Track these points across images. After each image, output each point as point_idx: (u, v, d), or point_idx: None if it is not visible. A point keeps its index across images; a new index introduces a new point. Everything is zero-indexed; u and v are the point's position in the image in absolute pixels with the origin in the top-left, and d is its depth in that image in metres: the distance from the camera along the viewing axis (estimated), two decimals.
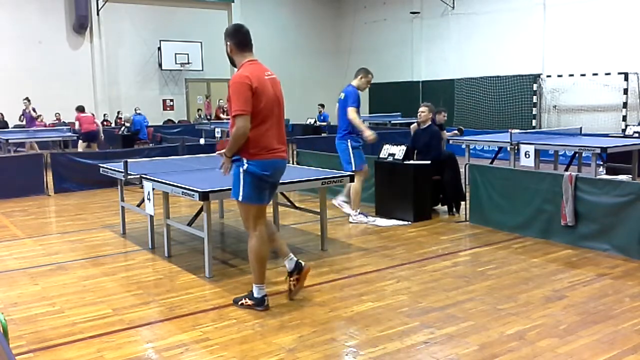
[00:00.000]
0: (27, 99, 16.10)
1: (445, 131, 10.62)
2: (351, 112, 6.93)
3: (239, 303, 4.32)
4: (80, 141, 13.86)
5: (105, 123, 19.49)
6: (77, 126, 13.93)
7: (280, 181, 4.56)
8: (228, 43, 4.24)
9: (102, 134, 14.10)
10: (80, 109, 14.05)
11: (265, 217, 4.33)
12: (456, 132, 10.94)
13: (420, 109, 7.74)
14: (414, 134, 7.95)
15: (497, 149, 10.64)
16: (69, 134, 14.48)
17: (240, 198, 4.16)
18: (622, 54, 15.33)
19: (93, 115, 14.57)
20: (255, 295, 4.26)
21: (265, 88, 4.09)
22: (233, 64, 4.30)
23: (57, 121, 17.57)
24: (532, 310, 4.15)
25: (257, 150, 4.07)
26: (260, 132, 4.06)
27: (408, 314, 4.13)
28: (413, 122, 8.75)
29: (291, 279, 4.45)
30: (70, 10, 19.52)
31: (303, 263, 4.48)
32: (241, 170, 4.10)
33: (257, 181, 4.12)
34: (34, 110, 16.27)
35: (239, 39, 4.22)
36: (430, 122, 7.73)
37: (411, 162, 7.16)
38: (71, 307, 4.42)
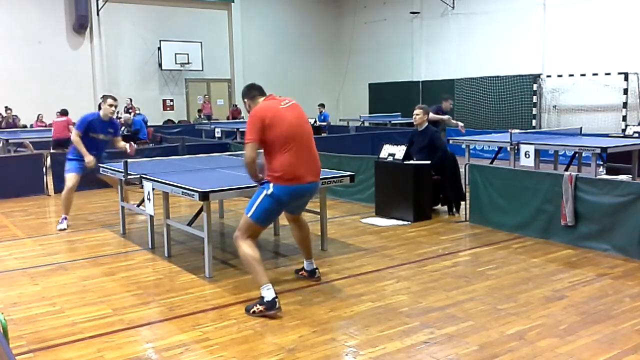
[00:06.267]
0: (7, 107, 16.14)
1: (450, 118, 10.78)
2: (74, 136, 7.18)
3: (251, 311, 4.14)
4: (51, 148, 12.41)
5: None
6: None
7: None
8: (246, 101, 4.52)
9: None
10: (61, 113, 13.07)
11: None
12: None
13: (415, 112, 7.69)
14: (412, 134, 7.91)
15: (497, 149, 10.64)
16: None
17: (249, 215, 4.31)
18: (622, 54, 15.33)
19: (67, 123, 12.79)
20: (266, 299, 4.11)
21: (281, 117, 4.26)
22: None
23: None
24: (532, 310, 4.15)
25: (282, 174, 4.23)
26: (285, 158, 4.23)
27: (408, 314, 4.13)
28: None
29: (300, 273, 5.01)
30: (70, 10, 19.52)
31: (319, 275, 4.94)
32: (265, 192, 4.27)
33: (276, 205, 4.31)
34: (16, 117, 16.20)
35: (253, 93, 4.49)
36: (427, 124, 7.71)
37: (411, 162, 7.16)
38: (71, 307, 4.42)
